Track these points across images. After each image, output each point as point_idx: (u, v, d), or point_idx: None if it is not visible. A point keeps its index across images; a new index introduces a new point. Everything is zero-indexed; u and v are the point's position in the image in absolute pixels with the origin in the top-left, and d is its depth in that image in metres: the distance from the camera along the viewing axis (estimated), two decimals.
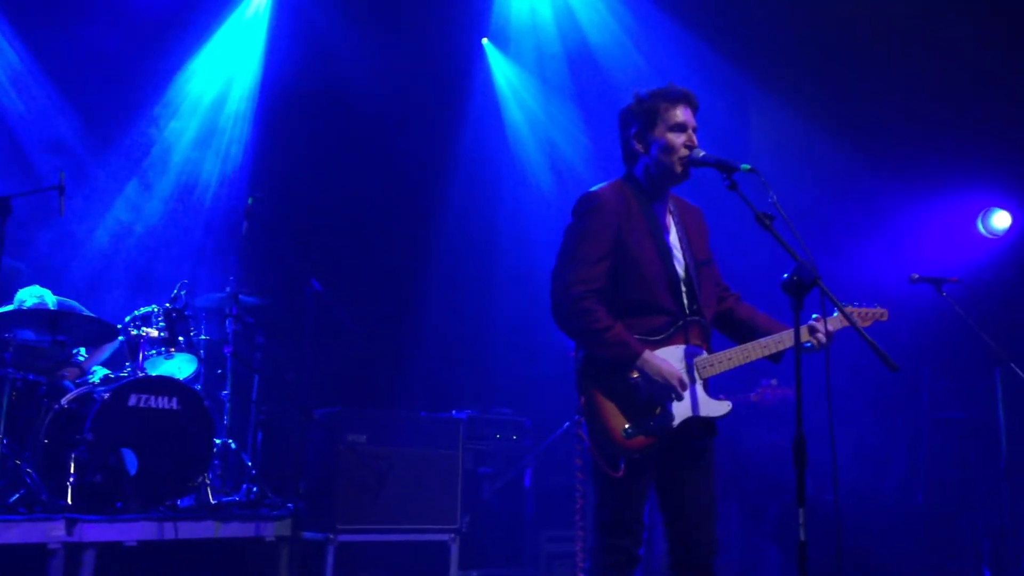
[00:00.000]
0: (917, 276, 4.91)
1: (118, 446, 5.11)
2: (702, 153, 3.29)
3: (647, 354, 3.17)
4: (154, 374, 5.64)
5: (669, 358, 3.22)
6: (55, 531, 4.67)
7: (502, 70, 8.91)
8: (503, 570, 6.58)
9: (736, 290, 3.63)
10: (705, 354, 3.31)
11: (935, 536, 6.55)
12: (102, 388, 5.36)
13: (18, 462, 5.01)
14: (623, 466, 3.16)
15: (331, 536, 5.55)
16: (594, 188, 3.40)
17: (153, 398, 5.32)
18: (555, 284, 3.30)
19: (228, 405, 6.11)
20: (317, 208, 7.88)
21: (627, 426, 3.18)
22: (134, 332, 5.76)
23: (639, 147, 3.38)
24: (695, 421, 3.25)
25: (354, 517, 5.64)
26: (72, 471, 4.96)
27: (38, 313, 5.51)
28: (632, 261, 3.27)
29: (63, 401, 5.32)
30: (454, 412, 6.69)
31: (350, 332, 6.28)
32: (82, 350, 6.10)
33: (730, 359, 3.33)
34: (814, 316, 3.33)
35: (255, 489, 5.77)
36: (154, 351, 5.79)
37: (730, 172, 3.19)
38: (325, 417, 5.86)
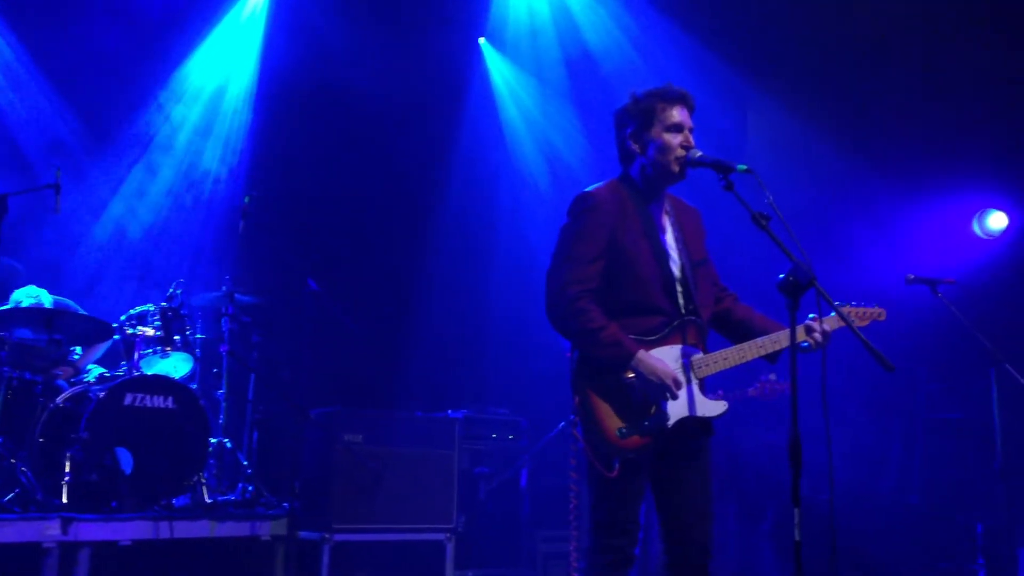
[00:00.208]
0: (913, 277, 4.92)
1: (113, 445, 5.11)
2: (699, 153, 3.29)
3: (641, 354, 3.17)
4: (150, 373, 5.64)
5: (664, 358, 3.22)
6: (50, 530, 4.66)
7: (499, 69, 8.91)
8: (499, 570, 6.58)
9: (733, 290, 3.63)
10: (701, 354, 3.31)
11: (930, 536, 6.56)
12: (98, 387, 5.35)
13: (13, 461, 5.00)
14: (617, 466, 3.16)
15: (327, 536, 5.55)
16: (589, 188, 3.40)
17: (149, 397, 5.31)
18: (550, 284, 3.30)
19: (224, 404, 6.10)
20: (314, 207, 7.88)
21: (622, 426, 3.18)
22: (130, 331, 5.75)
23: (635, 147, 3.38)
24: (691, 421, 3.25)
25: (350, 516, 5.64)
26: (67, 470, 4.96)
27: (34, 312, 5.50)
28: (628, 261, 3.27)
29: (59, 400, 5.31)
30: (450, 412, 6.69)
31: (346, 331, 6.28)
32: (78, 349, 6.09)
33: (726, 359, 3.33)
34: (811, 316, 3.33)
35: (251, 488, 5.76)
36: (150, 350, 5.78)
37: (727, 173, 3.19)
38: (321, 416, 5.86)
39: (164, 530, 5.01)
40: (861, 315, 3.56)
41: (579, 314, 3.21)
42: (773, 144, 7.97)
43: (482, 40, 8.86)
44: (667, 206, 3.45)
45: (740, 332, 3.47)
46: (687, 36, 7.77)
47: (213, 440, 5.76)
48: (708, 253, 3.50)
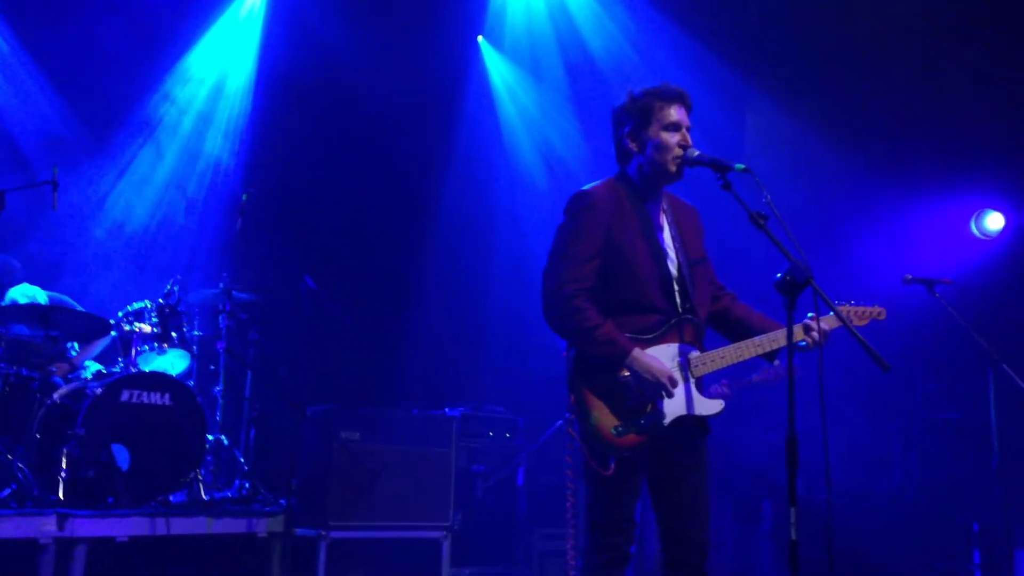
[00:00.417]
0: (910, 277, 4.92)
1: (110, 441, 5.11)
2: (696, 152, 3.29)
3: (637, 352, 3.17)
4: (147, 370, 5.64)
5: (661, 356, 3.22)
6: (46, 526, 4.66)
7: (497, 67, 8.90)
8: (495, 568, 6.59)
9: (731, 289, 3.63)
10: (698, 352, 3.31)
11: (927, 536, 6.57)
12: (94, 383, 5.35)
13: (10, 457, 4.99)
14: (613, 465, 3.16)
15: (323, 533, 5.54)
16: (586, 187, 3.39)
17: (145, 394, 5.31)
18: (546, 283, 3.30)
19: (221, 401, 6.10)
20: (311, 205, 7.88)
21: (617, 424, 3.18)
22: (127, 327, 5.75)
23: (633, 146, 3.38)
24: (687, 420, 3.25)
25: (347, 514, 5.64)
26: (64, 466, 4.96)
27: (30, 308, 5.50)
28: (624, 260, 3.27)
29: (55, 396, 5.31)
30: (447, 410, 6.69)
31: (343, 329, 6.27)
32: (75, 345, 6.09)
33: (723, 357, 3.33)
34: (809, 315, 3.33)
35: (247, 485, 5.76)
36: (147, 347, 5.78)
37: (724, 172, 3.19)
38: (318, 414, 5.86)
39: (160, 526, 5.01)
40: (861, 314, 3.55)
41: (575, 312, 3.20)
42: (771, 143, 7.97)
43: (480, 38, 8.86)
44: (665, 205, 3.45)
45: (738, 331, 3.47)
46: (685, 35, 7.78)
47: (210, 437, 5.76)
48: (706, 252, 3.49)
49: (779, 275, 2.96)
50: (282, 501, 5.59)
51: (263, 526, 5.43)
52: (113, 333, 5.84)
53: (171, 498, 5.32)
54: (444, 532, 5.92)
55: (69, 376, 5.76)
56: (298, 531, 5.53)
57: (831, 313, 3.33)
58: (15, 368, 5.25)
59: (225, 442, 6.02)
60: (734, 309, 3.54)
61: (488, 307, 8.40)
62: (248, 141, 8.14)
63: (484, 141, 8.77)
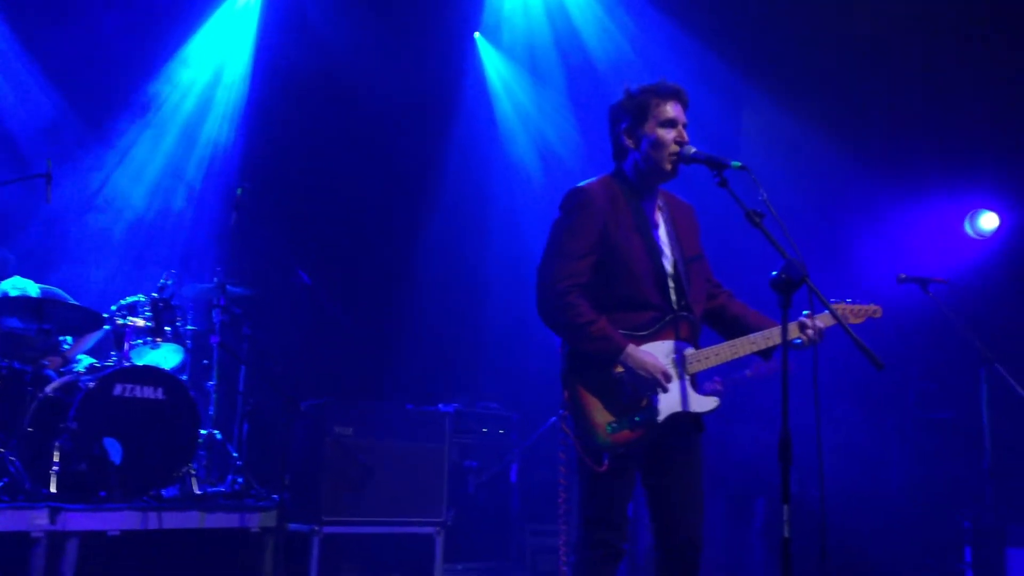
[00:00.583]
0: (904, 276, 4.93)
1: (103, 435, 5.09)
2: (693, 149, 3.29)
3: (631, 348, 3.17)
4: (140, 364, 5.62)
5: (656, 353, 3.22)
6: (38, 520, 4.65)
7: (494, 64, 8.89)
8: (488, 563, 6.59)
9: (727, 287, 3.63)
10: (693, 349, 3.31)
11: (919, 534, 6.59)
12: (87, 377, 5.33)
13: (2, 450, 4.98)
14: (607, 461, 3.16)
15: (316, 528, 5.54)
16: (582, 183, 3.39)
17: (138, 388, 5.29)
18: (541, 279, 3.30)
19: (214, 395, 6.09)
20: (306, 200, 7.86)
21: (611, 421, 3.18)
22: (120, 321, 5.73)
23: (629, 142, 3.38)
24: (682, 416, 3.25)
25: (340, 509, 5.63)
26: (56, 460, 4.94)
27: (23, 301, 5.48)
28: (620, 257, 3.27)
29: (48, 390, 5.29)
30: (441, 406, 6.68)
31: (338, 323, 6.26)
32: (67, 339, 6.07)
33: (718, 354, 3.33)
34: (805, 312, 3.33)
35: (240, 480, 5.75)
36: (140, 340, 5.76)
37: (720, 169, 3.19)
38: (311, 409, 5.85)
39: (153, 521, 5.00)
40: (857, 312, 3.55)
41: (568, 308, 3.20)
42: (767, 141, 7.97)
43: (477, 35, 8.85)
44: (660, 202, 3.45)
45: (733, 328, 3.47)
46: (682, 32, 7.78)
47: (203, 431, 5.75)
48: (702, 249, 3.50)
49: (774, 273, 2.96)
50: (275, 496, 5.59)
51: (256, 521, 5.42)
52: (106, 327, 5.82)
53: (163, 492, 5.30)
54: (437, 528, 5.92)
55: (62, 369, 5.73)
56: (291, 526, 5.53)
57: (826, 311, 3.33)
58: (7, 361, 5.23)
59: (218, 436, 6.01)
60: (730, 307, 3.54)
61: (483, 303, 8.39)
62: (243, 135, 8.11)
63: (480, 137, 8.76)
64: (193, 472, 5.45)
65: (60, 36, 7.23)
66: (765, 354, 3.40)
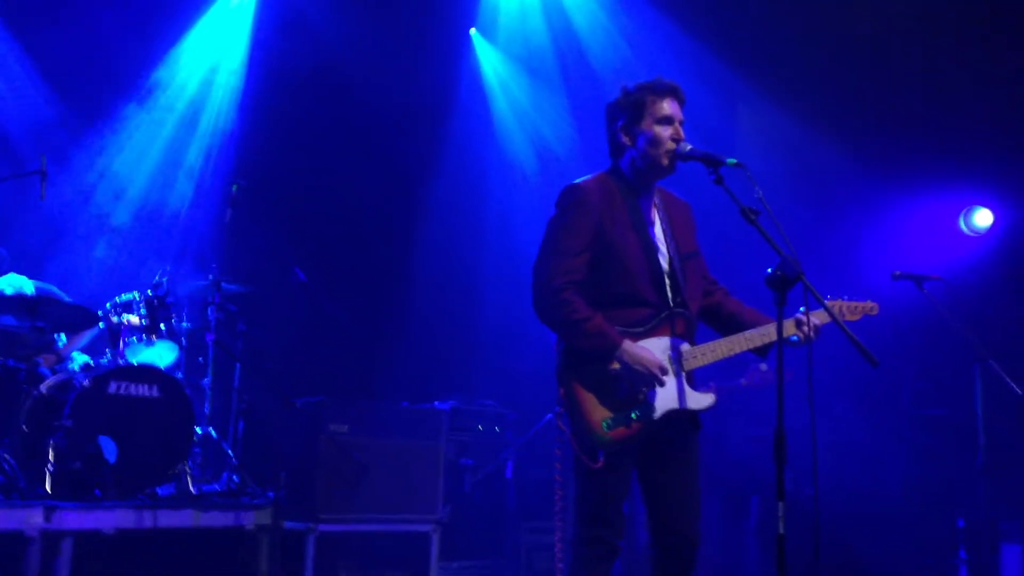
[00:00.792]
0: (899, 273, 4.93)
1: (97, 433, 5.08)
2: (689, 147, 3.29)
3: (627, 344, 3.17)
4: (135, 361, 5.61)
5: (652, 349, 3.22)
6: (33, 518, 4.63)
7: (490, 60, 8.89)
8: (484, 561, 6.59)
9: (723, 284, 3.63)
10: (689, 346, 3.31)
11: (914, 531, 6.60)
12: (82, 375, 5.32)
13: None
14: (602, 458, 3.16)
15: (312, 526, 5.53)
16: (578, 180, 3.39)
17: (133, 386, 5.28)
18: (536, 276, 3.30)
19: (209, 393, 6.08)
20: (302, 197, 7.85)
21: (607, 417, 3.18)
22: (115, 319, 5.72)
23: (626, 140, 3.38)
24: (678, 414, 3.25)
25: (335, 507, 5.63)
26: (51, 458, 4.93)
27: (17, 299, 5.46)
28: (615, 253, 3.27)
29: (42, 387, 5.28)
30: (437, 403, 6.68)
31: (333, 321, 6.26)
32: (62, 336, 6.05)
33: (714, 351, 3.33)
34: (801, 309, 3.33)
35: (236, 478, 5.75)
36: (135, 338, 5.75)
37: (716, 166, 3.19)
38: (307, 406, 5.84)
39: (148, 519, 4.99)
40: (853, 309, 3.55)
41: (564, 305, 3.21)
42: (763, 139, 7.98)
43: (473, 31, 8.84)
44: (656, 199, 3.45)
45: (730, 326, 3.47)
46: (678, 29, 7.78)
47: (198, 429, 5.73)
48: (699, 247, 3.50)
49: (769, 270, 2.96)
50: (270, 494, 5.59)
51: (251, 519, 5.41)
52: (101, 324, 5.80)
53: (159, 491, 5.29)
54: (433, 525, 5.91)
55: (56, 367, 5.72)
56: (286, 524, 5.52)
57: (822, 308, 3.34)
58: (1, 359, 5.22)
59: (213, 435, 6.00)
60: (726, 304, 3.54)
61: (479, 300, 8.39)
62: (238, 132, 8.10)
63: (476, 133, 8.76)
64: (188, 470, 5.44)
65: (55, 34, 7.21)
66: (761, 351, 3.40)
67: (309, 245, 7.40)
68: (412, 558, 5.92)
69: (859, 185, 7.43)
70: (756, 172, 3.10)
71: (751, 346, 3.36)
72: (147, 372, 5.39)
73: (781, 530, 2.84)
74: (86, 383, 5.14)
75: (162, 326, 5.82)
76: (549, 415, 6.48)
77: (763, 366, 5.81)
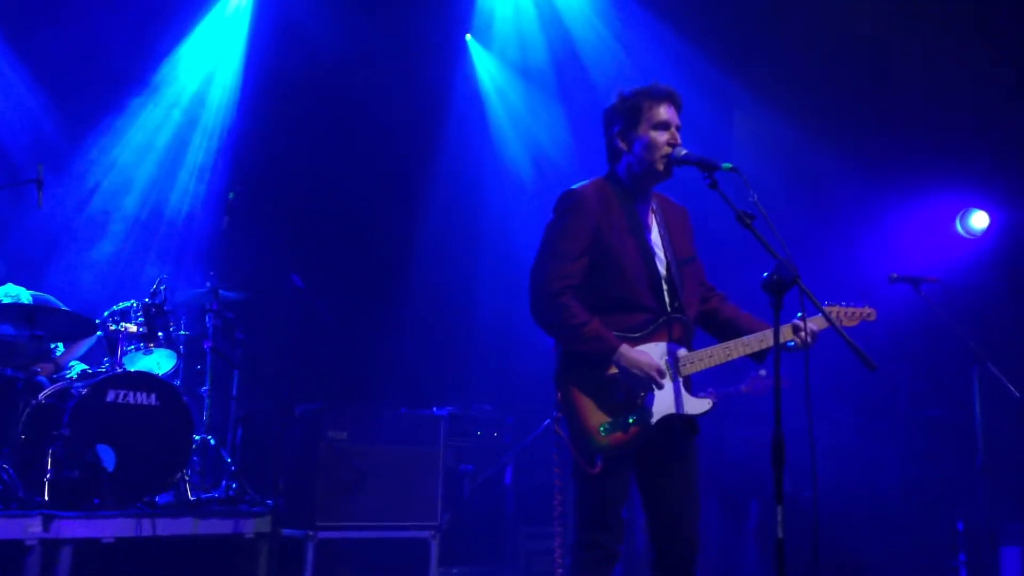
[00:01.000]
0: (896, 275, 4.94)
1: (96, 442, 5.07)
2: (684, 151, 3.30)
3: (624, 348, 3.17)
4: (132, 370, 5.60)
5: (650, 353, 3.22)
6: (32, 527, 4.63)
7: (485, 66, 8.90)
8: (483, 567, 6.58)
9: (720, 290, 3.64)
10: (686, 351, 3.31)
11: (913, 533, 6.60)
12: (80, 383, 5.32)
13: None
14: (600, 462, 3.16)
15: (311, 533, 5.53)
16: (575, 186, 3.40)
17: (131, 394, 5.28)
18: (534, 280, 3.31)
19: (207, 401, 6.08)
20: (299, 203, 7.86)
21: (605, 422, 3.18)
22: (112, 327, 5.72)
23: (622, 145, 3.39)
24: (675, 419, 3.25)
25: (334, 514, 5.62)
26: (49, 467, 4.92)
27: (14, 308, 5.46)
28: (613, 258, 3.28)
29: (40, 396, 5.28)
30: (435, 409, 6.67)
31: (330, 327, 6.26)
32: (59, 345, 6.05)
33: (712, 356, 3.34)
34: (798, 315, 3.33)
35: (234, 485, 5.74)
36: (133, 346, 5.75)
37: (712, 171, 3.20)
38: (305, 413, 5.84)
39: (147, 527, 4.99)
40: (850, 315, 3.55)
41: (561, 309, 3.21)
42: (759, 142, 7.99)
43: (468, 37, 8.85)
44: (654, 204, 3.46)
45: (727, 331, 3.47)
46: (673, 34, 7.79)
47: (196, 437, 5.73)
48: (696, 252, 3.50)
49: (766, 275, 2.97)
50: (269, 501, 5.58)
51: (250, 527, 5.40)
52: (99, 333, 5.80)
53: (157, 499, 5.29)
54: (432, 532, 5.91)
55: (54, 376, 5.72)
56: (285, 531, 5.51)
57: (819, 314, 3.34)
58: None
59: (212, 442, 6.00)
60: (723, 310, 3.54)
61: (476, 305, 8.39)
62: (235, 139, 8.10)
63: (472, 140, 8.76)
64: (187, 478, 5.44)
65: (51, 42, 7.21)
66: (758, 356, 3.40)
67: (306, 251, 7.39)
68: (411, 565, 5.92)
69: (855, 188, 7.44)
70: (752, 176, 3.10)
71: (748, 351, 3.37)
72: (145, 380, 5.39)
73: (780, 534, 2.84)
74: (84, 392, 5.14)
75: (160, 334, 5.82)
76: (547, 420, 6.47)
77: (762, 372, 5.82)
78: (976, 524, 5.84)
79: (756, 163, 7.40)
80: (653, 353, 3.24)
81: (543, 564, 6.58)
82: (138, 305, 5.80)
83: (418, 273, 8.40)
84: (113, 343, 5.72)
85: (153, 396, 5.34)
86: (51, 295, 6.18)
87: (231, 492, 5.70)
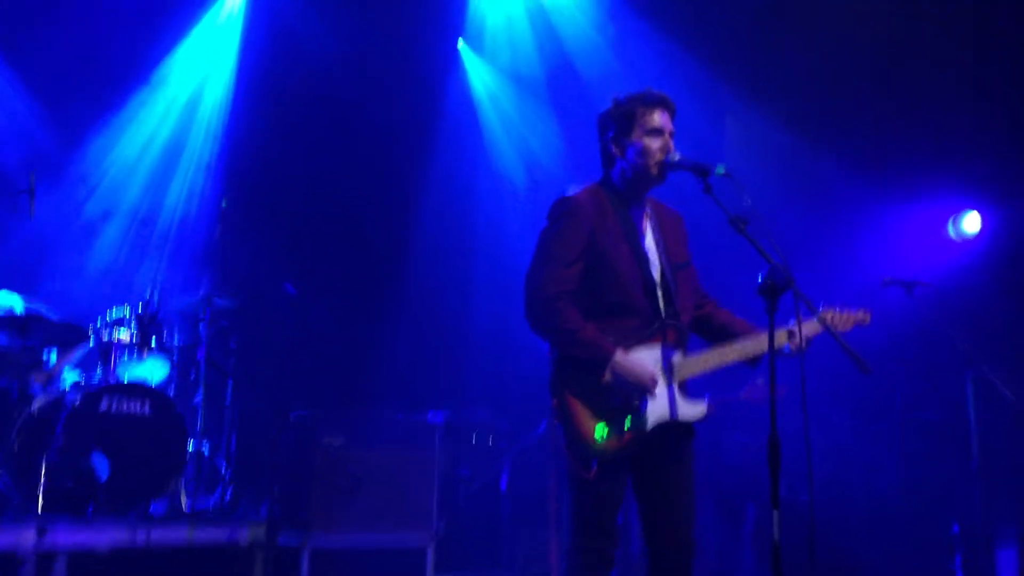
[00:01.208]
0: (889, 279, 4.95)
1: (89, 451, 5.06)
2: (677, 156, 3.31)
3: (619, 354, 3.18)
4: (126, 379, 5.58)
5: (644, 359, 3.23)
6: (26, 537, 4.60)
7: (478, 72, 8.91)
8: (479, 573, 6.57)
9: (714, 295, 3.64)
10: (681, 356, 3.31)
11: (909, 536, 6.60)
12: (73, 393, 5.30)
13: None
14: (595, 467, 3.16)
15: (306, 541, 5.51)
16: (569, 192, 3.41)
17: (125, 403, 5.27)
18: (529, 286, 3.31)
19: (201, 409, 6.05)
20: (292, 210, 7.85)
21: (600, 427, 3.18)
22: (105, 336, 5.70)
23: (616, 151, 3.40)
24: (671, 424, 3.25)
25: (329, 521, 5.60)
26: (43, 477, 4.90)
27: (7, 319, 5.44)
28: (607, 264, 3.28)
29: (34, 406, 5.26)
30: (430, 415, 6.66)
31: (324, 334, 6.25)
32: (52, 354, 6.02)
33: (707, 361, 3.34)
34: (792, 321, 3.33)
35: (229, 494, 5.72)
36: (126, 355, 5.73)
37: (705, 175, 3.21)
38: (300, 419, 5.83)
39: (141, 537, 4.97)
40: (845, 320, 3.54)
41: (556, 315, 3.22)
42: (751, 147, 8.01)
43: (460, 42, 8.86)
44: (648, 210, 3.46)
45: (721, 336, 3.48)
46: (665, 39, 7.80)
47: (190, 445, 5.71)
48: (691, 257, 3.51)
49: (760, 279, 2.97)
50: (264, 509, 5.56)
51: (245, 535, 5.38)
52: (91, 342, 5.78)
53: (152, 508, 5.27)
54: (428, 538, 5.89)
55: (47, 386, 5.70)
56: (280, 539, 5.49)
57: (814, 319, 3.35)
58: None
59: (206, 451, 5.98)
60: (717, 315, 3.55)
61: (471, 311, 8.39)
62: (228, 147, 8.10)
63: (465, 146, 8.77)
64: (181, 487, 5.41)
65: (44, 50, 7.20)
66: (753, 361, 3.41)
67: (300, 257, 7.39)
68: (407, 571, 5.90)
69: (847, 192, 7.45)
70: (745, 180, 3.11)
71: (743, 355, 3.37)
72: (138, 389, 5.38)
73: (777, 538, 2.84)
74: (77, 401, 5.12)
75: (153, 342, 5.80)
76: (543, 425, 6.47)
77: (760, 381, 5.82)
78: (972, 526, 5.85)
79: (749, 167, 7.41)
80: (648, 358, 3.24)
81: (539, 569, 6.56)
82: (131, 313, 5.78)
83: (413, 279, 8.40)
84: (106, 351, 5.70)
85: (147, 405, 5.33)
86: (44, 303, 6.15)
87: (225, 500, 5.68)
